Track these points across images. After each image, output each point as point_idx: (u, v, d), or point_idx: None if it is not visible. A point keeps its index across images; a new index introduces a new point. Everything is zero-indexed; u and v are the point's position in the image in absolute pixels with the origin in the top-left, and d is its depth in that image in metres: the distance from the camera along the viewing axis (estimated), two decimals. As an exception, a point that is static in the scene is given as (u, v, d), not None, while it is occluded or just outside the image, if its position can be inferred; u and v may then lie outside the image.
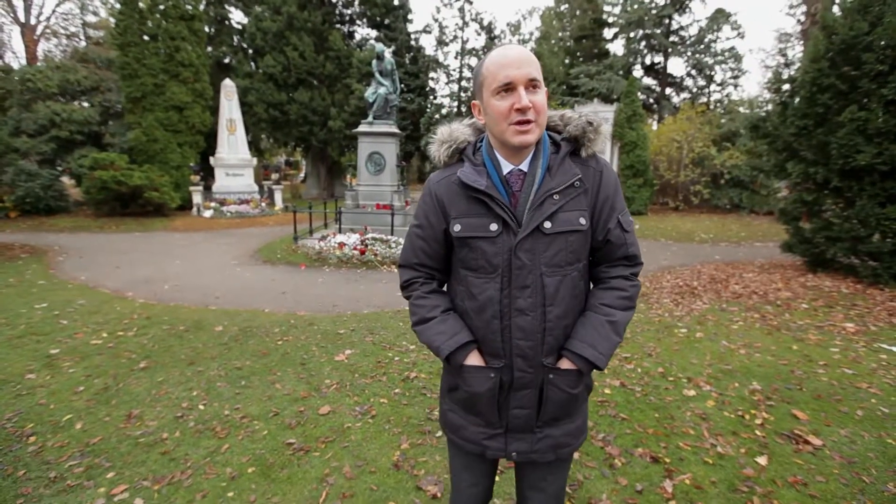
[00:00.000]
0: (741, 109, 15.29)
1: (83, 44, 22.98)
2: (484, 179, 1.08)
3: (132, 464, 2.26)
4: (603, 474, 2.16)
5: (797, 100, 6.23)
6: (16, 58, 25.60)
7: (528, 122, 1.01)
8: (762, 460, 2.24)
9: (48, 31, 24.64)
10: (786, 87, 6.55)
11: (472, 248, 1.10)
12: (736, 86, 19.63)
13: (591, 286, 1.22)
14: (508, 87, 1.01)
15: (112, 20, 13.18)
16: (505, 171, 1.10)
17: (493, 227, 1.07)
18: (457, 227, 1.11)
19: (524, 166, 1.09)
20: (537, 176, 1.08)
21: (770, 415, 2.67)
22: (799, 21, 17.69)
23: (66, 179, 13.98)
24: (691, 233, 10.55)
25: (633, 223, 1.19)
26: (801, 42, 15.91)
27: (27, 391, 2.98)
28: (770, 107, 7.42)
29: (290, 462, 2.27)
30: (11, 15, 23.93)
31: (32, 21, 23.71)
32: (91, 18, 25.04)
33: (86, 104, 14.51)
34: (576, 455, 2.25)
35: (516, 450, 1.16)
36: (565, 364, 1.11)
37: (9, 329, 4.14)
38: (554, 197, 1.06)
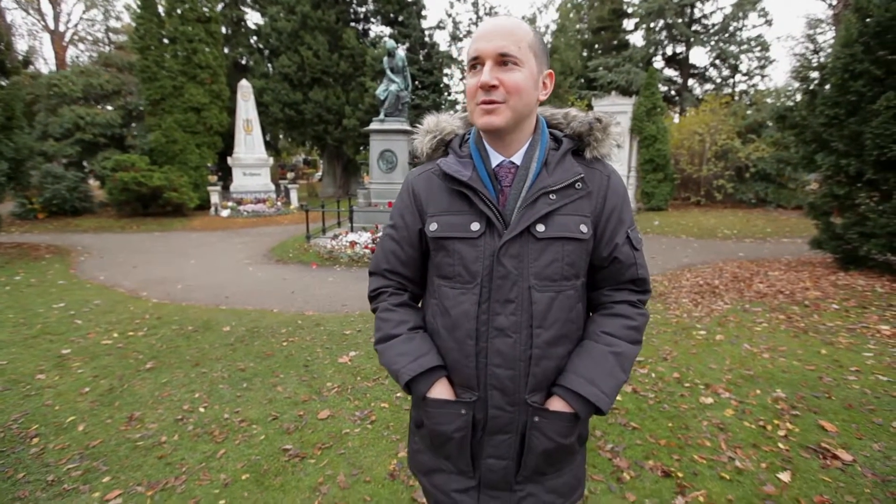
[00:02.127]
0: (768, 100, 14.64)
1: (107, 48, 23.67)
2: (468, 171, 0.93)
3: (128, 468, 2.25)
4: (610, 489, 2.03)
5: (827, 87, 5.88)
6: (46, 64, 26.58)
7: (493, 102, 0.87)
8: (785, 476, 2.08)
9: (76, 37, 25.49)
10: (815, 74, 6.20)
11: (448, 252, 0.95)
12: (763, 75, 18.83)
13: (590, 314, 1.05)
14: (477, 63, 0.88)
15: (134, 24, 13.46)
16: (494, 164, 0.95)
17: (475, 226, 0.92)
18: (433, 226, 0.96)
19: (516, 158, 0.94)
20: (531, 170, 0.93)
21: (795, 426, 2.48)
22: (830, 5, 16.86)
23: (91, 181, 14.43)
24: (714, 229, 10.17)
25: (642, 241, 1.02)
26: (833, 27, 15.14)
27: (36, 392, 3.02)
28: (798, 96, 7.02)
29: (284, 469, 2.21)
30: (42, 23, 24.85)
31: (61, 28, 24.57)
32: (115, 24, 25.78)
33: (109, 107, 14.91)
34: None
35: None
36: (556, 404, 0.92)
37: (25, 329, 4.24)
38: (550, 196, 0.90)
